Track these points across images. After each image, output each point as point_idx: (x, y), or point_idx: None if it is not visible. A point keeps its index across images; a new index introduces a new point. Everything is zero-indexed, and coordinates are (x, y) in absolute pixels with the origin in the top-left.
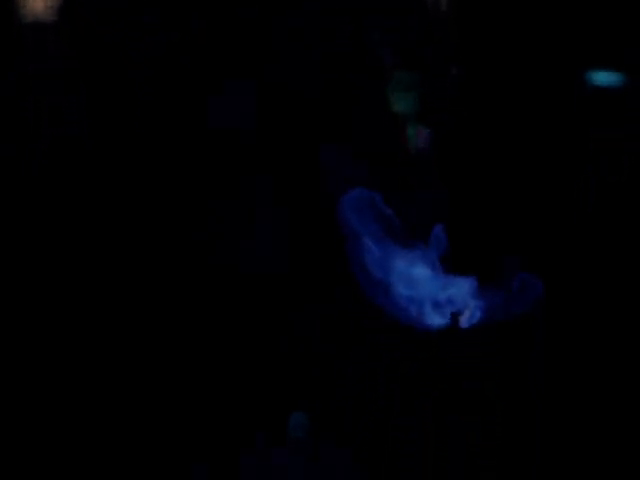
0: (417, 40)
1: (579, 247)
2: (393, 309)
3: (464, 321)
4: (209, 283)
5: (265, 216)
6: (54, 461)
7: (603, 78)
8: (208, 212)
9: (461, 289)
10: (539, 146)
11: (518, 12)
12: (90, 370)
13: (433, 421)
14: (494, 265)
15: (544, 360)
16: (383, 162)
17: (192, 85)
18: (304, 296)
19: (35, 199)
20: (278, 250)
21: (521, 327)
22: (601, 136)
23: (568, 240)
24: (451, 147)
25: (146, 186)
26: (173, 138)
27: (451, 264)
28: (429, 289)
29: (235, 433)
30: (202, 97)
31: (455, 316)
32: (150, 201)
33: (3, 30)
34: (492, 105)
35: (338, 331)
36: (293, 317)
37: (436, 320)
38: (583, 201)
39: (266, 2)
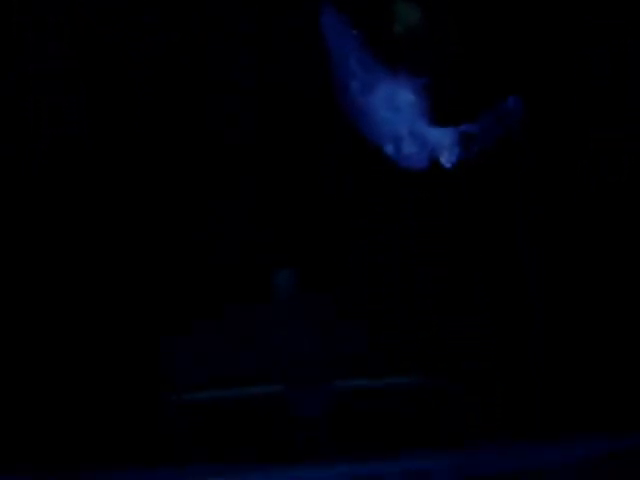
0: None
1: (579, 245)
2: (375, 135)
3: (445, 160)
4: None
5: (265, 215)
6: None
7: None
8: (208, 212)
9: (440, 131)
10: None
11: None
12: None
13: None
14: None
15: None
16: (375, 36)
17: (192, 85)
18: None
19: (35, 199)
20: (278, 247)
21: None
22: (601, 136)
23: (568, 238)
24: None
25: (146, 186)
26: (173, 138)
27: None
28: (410, 114)
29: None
30: (202, 97)
31: (435, 158)
32: (150, 200)
33: (3, 30)
34: None
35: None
36: None
37: (414, 150)
38: (583, 200)
39: (266, 3)
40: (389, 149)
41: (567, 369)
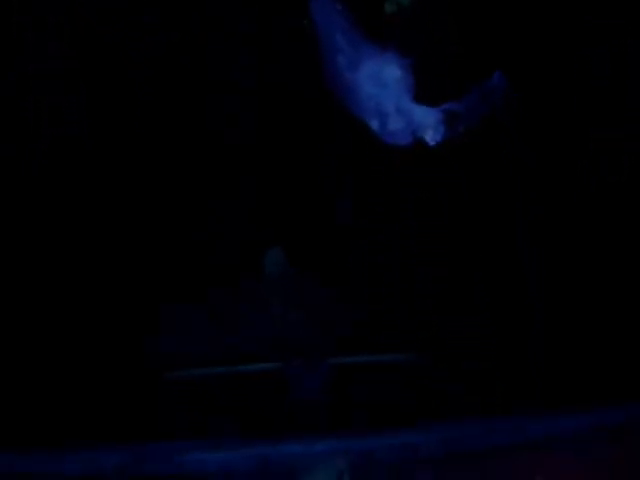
0: None
1: (580, 244)
2: (360, 111)
3: (430, 139)
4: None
5: (265, 215)
6: None
7: None
8: (208, 212)
9: (425, 109)
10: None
11: None
12: None
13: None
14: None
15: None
16: (364, 13)
17: (192, 85)
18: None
19: (35, 199)
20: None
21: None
22: (601, 136)
23: (568, 238)
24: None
25: (146, 185)
26: (173, 138)
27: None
28: (396, 90)
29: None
30: (202, 97)
31: (420, 136)
32: (150, 200)
33: (3, 30)
34: None
35: None
36: None
37: (399, 126)
38: (583, 200)
39: (266, 3)
40: (374, 125)
41: (566, 368)
